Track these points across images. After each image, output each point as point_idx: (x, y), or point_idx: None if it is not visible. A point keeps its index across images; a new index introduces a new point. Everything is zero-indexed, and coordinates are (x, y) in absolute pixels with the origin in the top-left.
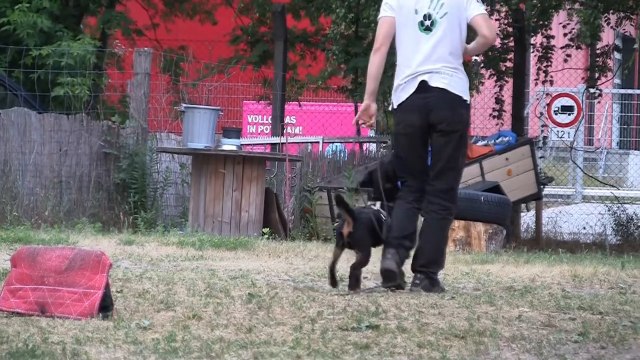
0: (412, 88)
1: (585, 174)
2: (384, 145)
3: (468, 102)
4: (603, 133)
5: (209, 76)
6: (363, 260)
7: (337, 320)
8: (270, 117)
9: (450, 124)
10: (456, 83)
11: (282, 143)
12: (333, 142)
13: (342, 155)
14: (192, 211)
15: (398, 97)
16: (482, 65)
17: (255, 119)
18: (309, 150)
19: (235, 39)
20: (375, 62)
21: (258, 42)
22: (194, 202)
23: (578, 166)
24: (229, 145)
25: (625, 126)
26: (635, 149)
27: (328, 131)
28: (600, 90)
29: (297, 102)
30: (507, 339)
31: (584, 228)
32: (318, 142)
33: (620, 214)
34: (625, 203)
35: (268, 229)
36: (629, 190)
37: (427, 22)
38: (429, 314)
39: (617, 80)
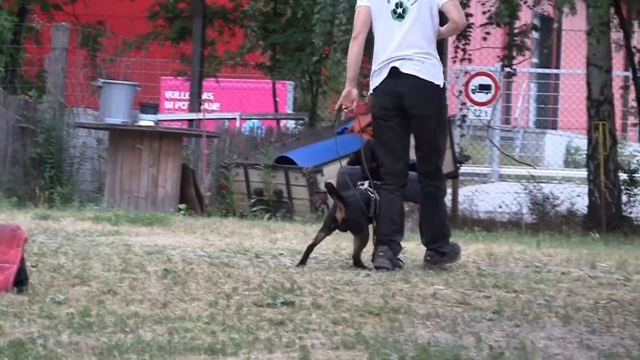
0: (385, 73)
1: (502, 152)
2: (301, 122)
3: (441, 86)
4: (520, 112)
5: (126, 52)
6: (363, 243)
7: (252, 297)
8: (188, 93)
9: (422, 108)
10: (427, 69)
11: (200, 119)
12: (250, 119)
13: (259, 132)
14: (108, 186)
15: (373, 82)
16: None
17: (173, 95)
18: (226, 127)
19: (154, 15)
20: (353, 50)
21: (176, 18)
22: (110, 177)
23: (495, 145)
24: (146, 120)
25: (542, 105)
26: (552, 129)
27: (245, 108)
28: (515, 69)
29: (214, 79)
30: (421, 317)
31: (500, 207)
32: (235, 119)
33: (536, 193)
34: (541, 182)
35: (184, 204)
36: (545, 169)
37: (399, 10)
38: (344, 290)
39: (534, 60)
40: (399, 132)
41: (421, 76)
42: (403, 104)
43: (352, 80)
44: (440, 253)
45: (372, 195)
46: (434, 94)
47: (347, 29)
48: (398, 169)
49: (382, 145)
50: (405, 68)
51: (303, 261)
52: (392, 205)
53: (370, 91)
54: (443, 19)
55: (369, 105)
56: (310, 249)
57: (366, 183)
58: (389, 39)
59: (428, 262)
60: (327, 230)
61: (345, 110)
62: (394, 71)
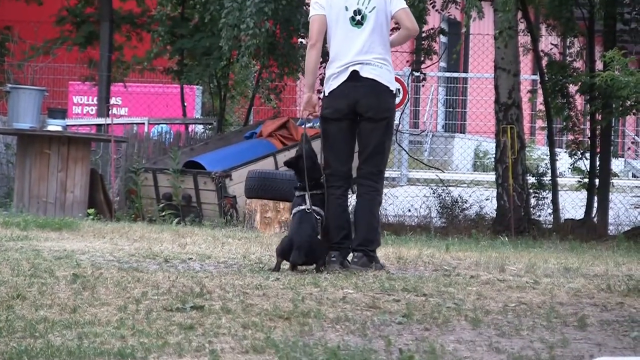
0: (344, 77)
1: (410, 156)
2: (209, 127)
3: (394, 92)
4: (429, 116)
5: (34, 57)
6: (321, 266)
7: (161, 301)
8: (96, 98)
9: (378, 112)
10: (385, 74)
11: (108, 124)
12: (159, 124)
13: (167, 136)
14: (17, 191)
15: (330, 85)
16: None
17: (81, 100)
18: (134, 132)
19: (61, 20)
20: (312, 58)
21: (84, 22)
22: (18, 182)
23: (403, 149)
24: (54, 125)
25: (451, 109)
26: (461, 132)
27: (154, 112)
28: (425, 74)
29: (122, 83)
30: (331, 320)
31: (409, 210)
32: (144, 123)
33: (445, 197)
34: (450, 186)
35: (93, 209)
36: (454, 173)
37: (358, 17)
38: (254, 295)
39: (442, 64)
40: (348, 135)
41: (380, 80)
42: (357, 108)
43: (311, 86)
44: (369, 256)
45: (318, 218)
46: (389, 98)
47: (253, 33)
48: (344, 171)
49: (331, 148)
50: (365, 72)
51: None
52: (339, 212)
53: (325, 94)
54: None
55: (322, 107)
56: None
57: (307, 197)
58: (348, 44)
59: (355, 263)
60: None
61: (309, 117)
62: (354, 75)
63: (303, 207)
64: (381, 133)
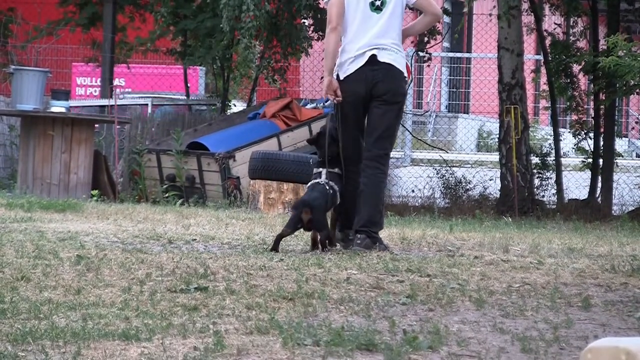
0: (362, 61)
1: (414, 137)
2: (213, 107)
3: (407, 78)
4: (432, 96)
5: (38, 38)
6: (325, 238)
7: (165, 282)
8: (100, 79)
9: (394, 95)
10: (399, 59)
11: (111, 105)
12: (162, 105)
13: (171, 117)
14: (20, 173)
15: (346, 69)
16: (311, 28)
17: (85, 81)
18: (138, 113)
19: (64, 1)
20: (331, 41)
21: (87, 3)
22: (22, 164)
23: (407, 129)
24: (57, 107)
25: (454, 89)
26: (464, 113)
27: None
28: (430, 54)
29: (126, 65)
30: (335, 301)
31: (413, 191)
32: (147, 105)
33: (448, 177)
34: (453, 166)
35: (97, 191)
36: (458, 153)
37: (378, 2)
38: (258, 275)
39: (446, 44)
40: (362, 118)
41: (396, 65)
42: (373, 91)
43: (331, 70)
44: (372, 237)
45: (330, 191)
46: (403, 83)
47: (254, 14)
48: (358, 153)
49: (347, 130)
50: (382, 57)
51: (275, 248)
52: (357, 197)
53: (341, 78)
54: None
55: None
56: (279, 240)
57: (323, 173)
58: (366, 29)
59: (358, 245)
60: (292, 228)
61: (332, 100)
62: (372, 59)
63: (317, 180)
64: (393, 116)
